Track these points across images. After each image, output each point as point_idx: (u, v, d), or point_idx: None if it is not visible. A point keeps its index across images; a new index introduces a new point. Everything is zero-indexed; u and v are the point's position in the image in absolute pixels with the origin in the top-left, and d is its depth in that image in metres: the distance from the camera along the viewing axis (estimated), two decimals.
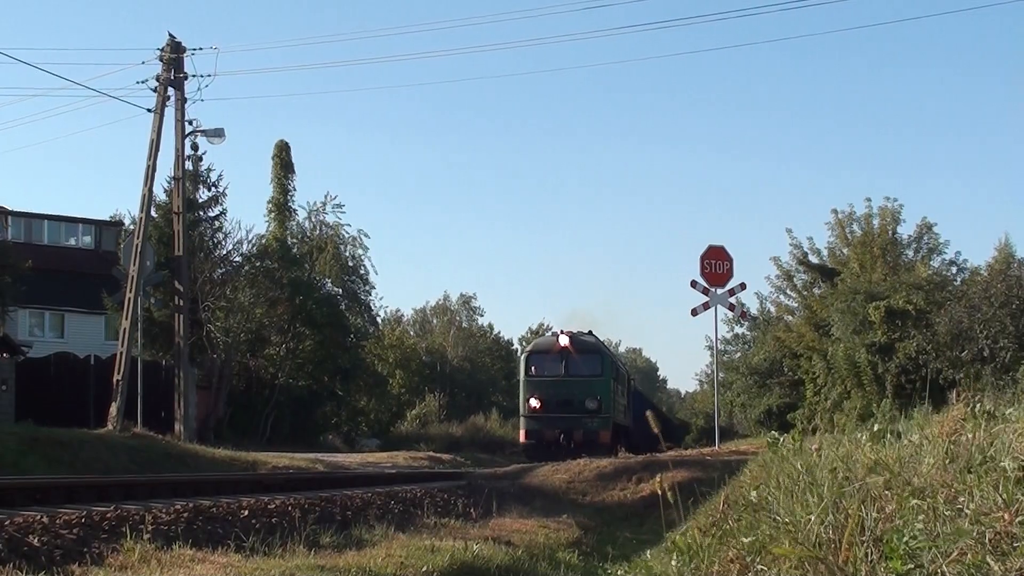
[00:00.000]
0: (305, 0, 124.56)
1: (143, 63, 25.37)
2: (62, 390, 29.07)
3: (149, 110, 25.19)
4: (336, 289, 44.85)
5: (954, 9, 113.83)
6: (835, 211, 34.17)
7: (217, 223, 35.27)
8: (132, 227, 32.31)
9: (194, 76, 25.70)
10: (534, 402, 29.95)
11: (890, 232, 32.89)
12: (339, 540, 9.14)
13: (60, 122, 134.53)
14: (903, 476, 5.04)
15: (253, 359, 37.22)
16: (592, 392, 29.75)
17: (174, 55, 25.44)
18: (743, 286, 25.44)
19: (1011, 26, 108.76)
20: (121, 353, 23.85)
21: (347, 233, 47.35)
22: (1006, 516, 4.14)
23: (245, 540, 8.14)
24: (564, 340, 30.27)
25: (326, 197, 47.45)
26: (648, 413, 7.03)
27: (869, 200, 33.51)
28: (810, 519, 4.86)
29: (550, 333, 32.80)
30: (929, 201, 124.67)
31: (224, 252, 35.80)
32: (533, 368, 30.84)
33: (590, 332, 32.29)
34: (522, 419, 30.77)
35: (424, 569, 8.31)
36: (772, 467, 6.50)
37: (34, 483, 11.25)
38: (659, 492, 5.72)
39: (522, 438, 30.89)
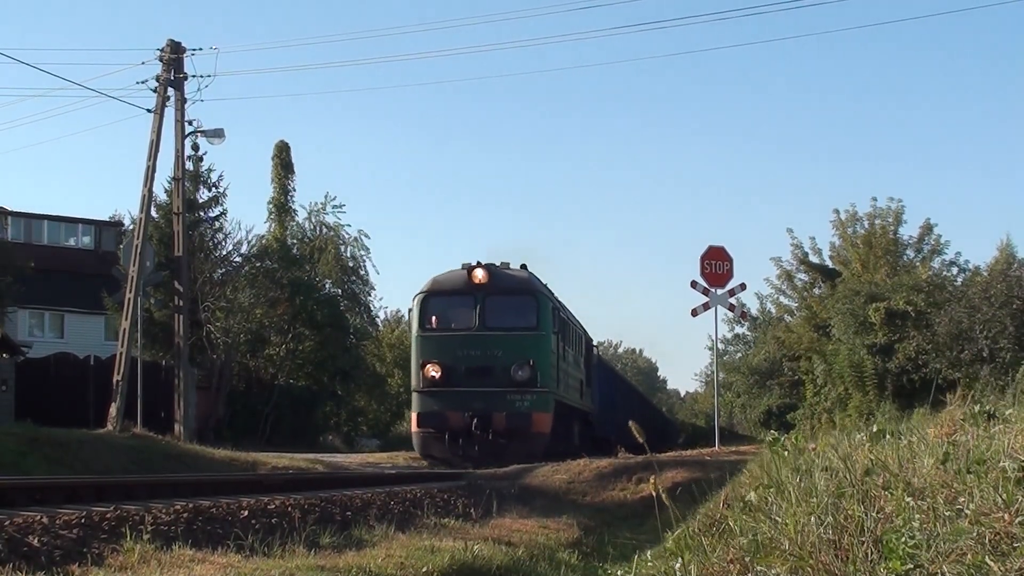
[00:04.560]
0: (305, 0, 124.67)
1: (143, 63, 25.44)
2: (62, 390, 29.08)
3: (149, 110, 25.23)
4: (336, 290, 44.88)
5: (955, 9, 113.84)
6: (837, 211, 34.28)
7: (217, 223, 35.35)
8: (132, 227, 32.33)
9: (194, 76, 25.77)
10: (432, 370, 20.24)
11: (891, 232, 32.96)
12: (339, 540, 9.13)
13: (60, 122, 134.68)
14: (902, 476, 5.04)
15: (253, 359, 37.26)
16: (522, 354, 20.15)
17: (174, 55, 25.45)
18: (743, 286, 25.41)
19: (1012, 26, 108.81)
20: (121, 353, 23.86)
21: (347, 233, 47.45)
22: (1006, 516, 4.14)
23: (245, 540, 8.14)
24: (480, 274, 20.62)
25: (326, 197, 47.59)
26: (632, 423, 5.38)
27: (875, 200, 33.64)
28: (809, 520, 4.85)
29: (461, 266, 21.35)
30: (930, 201, 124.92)
31: (224, 252, 35.88)
32: (433, 318, 21.04)
33: (523, 266, 22.30)
34: (414, 396, 21.06)
35: (424, 569, 8.30)
36: (771, 467, 6.50)
37: (34, 483, 11.23)
38: (659, 492, 5.71)
39: (414, 425, 21.15)
